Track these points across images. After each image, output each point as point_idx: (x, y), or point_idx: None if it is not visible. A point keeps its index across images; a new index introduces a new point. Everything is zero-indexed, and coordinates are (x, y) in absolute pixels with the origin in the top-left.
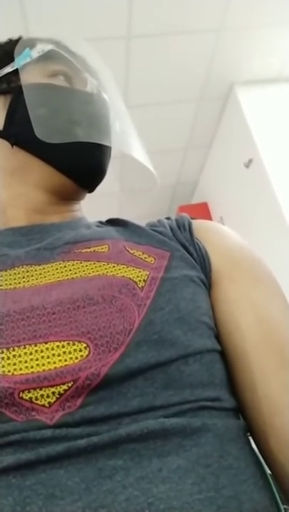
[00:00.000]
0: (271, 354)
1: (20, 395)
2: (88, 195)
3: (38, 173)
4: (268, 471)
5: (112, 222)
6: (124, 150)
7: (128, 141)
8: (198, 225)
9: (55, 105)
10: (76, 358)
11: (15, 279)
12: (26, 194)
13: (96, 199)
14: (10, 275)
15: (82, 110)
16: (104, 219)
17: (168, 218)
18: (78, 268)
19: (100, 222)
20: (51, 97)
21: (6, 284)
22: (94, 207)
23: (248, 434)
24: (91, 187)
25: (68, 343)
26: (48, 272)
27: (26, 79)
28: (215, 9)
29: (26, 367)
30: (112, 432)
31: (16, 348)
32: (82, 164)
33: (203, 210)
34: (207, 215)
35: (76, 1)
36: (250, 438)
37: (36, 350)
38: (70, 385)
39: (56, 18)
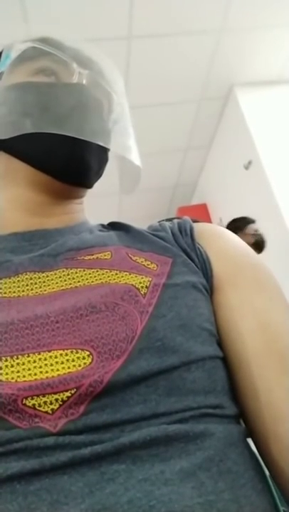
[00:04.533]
0: (273, 361)
1: (24, 402)
2: (87, 196)
3: (24, 173)
4: (268, 474)
5: (114, 226)
6: (97, 140)
7: (113, 133)
8: (200, 229)
9: (13, 101)
10: (79, 366)
11: (19, 286)
12: (20, 195)
13: (95, 199)
14: (14, 283)
15: (35, 101)
16: (103, 219)
17: (169, 220)
18: (81, 276)
19: (102, 226)
20: (11, 95)
21: (10, 292)
22: (93, 207)
23: (248, 438)
24: (76, 181)
25: (71, 351)
26: (52, 280)
27: (10, 81)
28: (215, 10)
29: (30, 374)
30: (115, 441)
31: (19, 357)
32: (52, 157)
33: (202, 212)
34: (206, 217)
35: (77, 2)
36: (251, 442)
37: (40, 359)
38: (73, 392)
39: (57, 19)
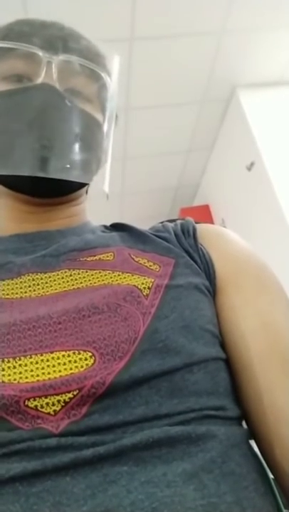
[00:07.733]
0: (276, 362)
1: (26, 403)
2: (89, 198)
3: (5, 190)
4: (271, 476)
5: (117, 227)
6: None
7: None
8: (203, 230)
9: None
10: (82, 367)
11: (21, 288)
12: (13, 206)
13: (97, 201)
14: (16, 284)
15: None
16: (105, 220)
17: (172, 221)
18: (84, 277)
19: (105, 227)
20: None
21: (12, 293)
22: (95, 209)
23: (251, 439)
24: (51, 197)
25: (74, 352)
26: (54, 280)
27: None
28: (217, 12)
29: (32, 375)
30: (118, 442)
31: (22, 358)
32: (19, 179)
33: (204, 213)
34: (209, 218)
35: (79, 3)
36: (253, 443)
37: (42, 360)
38: (75, 393)
39: (59, 20)
